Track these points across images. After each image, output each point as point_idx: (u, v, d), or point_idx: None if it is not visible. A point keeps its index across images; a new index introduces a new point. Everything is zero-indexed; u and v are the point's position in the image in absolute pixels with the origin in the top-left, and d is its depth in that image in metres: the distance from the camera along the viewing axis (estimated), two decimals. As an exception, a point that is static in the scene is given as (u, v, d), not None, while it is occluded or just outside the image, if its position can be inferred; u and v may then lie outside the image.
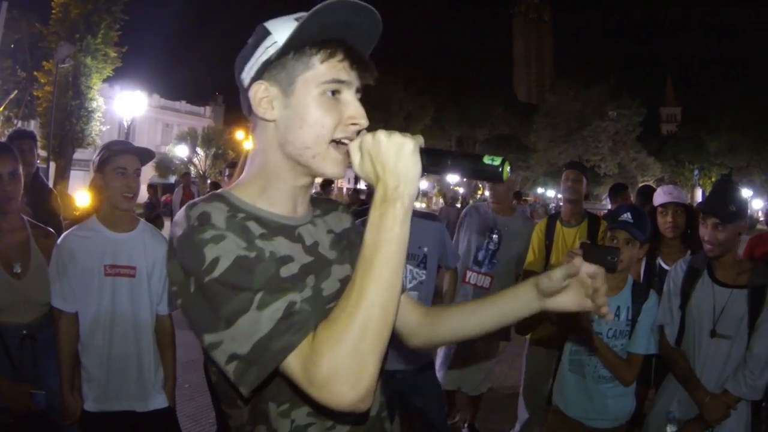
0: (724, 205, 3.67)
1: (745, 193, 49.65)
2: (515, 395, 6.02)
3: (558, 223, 5.77)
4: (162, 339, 3.76)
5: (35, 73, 28.65)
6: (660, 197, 4.94)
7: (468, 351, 5.95)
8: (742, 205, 3.66)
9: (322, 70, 1.56)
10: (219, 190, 1.65)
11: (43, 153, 20.15)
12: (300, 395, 1.44)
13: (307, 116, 1.56)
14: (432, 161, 1.49)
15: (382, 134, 1.46)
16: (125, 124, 28.88)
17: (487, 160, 1.46)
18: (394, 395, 4.14)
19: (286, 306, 1.36)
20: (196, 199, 1.52)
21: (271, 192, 1.65)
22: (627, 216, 3.70)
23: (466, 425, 6.20)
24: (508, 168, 1.46)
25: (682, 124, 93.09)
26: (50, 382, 3.62)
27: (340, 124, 1.58)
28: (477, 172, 1.49)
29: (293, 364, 1.32)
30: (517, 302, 1.82)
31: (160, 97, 60.41)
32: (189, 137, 51.87)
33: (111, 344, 3.51)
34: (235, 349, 1.35)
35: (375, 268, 1.36)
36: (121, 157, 3.52)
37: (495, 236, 5.82)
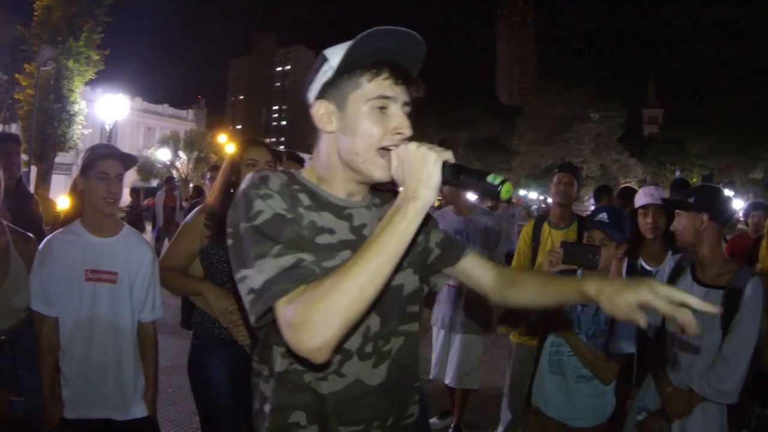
0: (683, 195, 3.88)
1: (726, 194, 49.82)
2: (499, 396, 6.04)
3: (546, 225, 5.79)
4: (144, 346, 3.71)
5: (17, 75, 28.32)
6: (641, 199, 4.98)
7: (450, 343, 6.15)
8: (704, 198, 3.72)
9: (369, 88, 1.82)
10: (290, 170, 1.99)
11: (24, 157, 20.01)
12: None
13: (358, 128, 1.83)
14: (450, 174, 1.70)
15: (413, 145, 1.72)
16: (107, 128, 28.75)
17: (490, 178, 1.69)
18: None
19: (295, 261, 1.65)
20: (266, 168, 1.95)
21: (327, 182, 1.95)
22: (603, 216, 3.80)
23: (452, 426, 6.24)
24: (508, 188, 1.68)
25: (663, 126, 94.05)
26: (29, 388, 3.57)
27: (386, 133, 1.82)
28: (480, 188, 1.73)
29: (282, 306, 1.58)
30: (570, 297, 2.08)
31: (143, 101, 60.25)
32: (171, 141, 51.82)
33: (90, 350, 3.47)
34: (252, 284, 1.65)
35: (367, 253, 1.57)
36: (105, 161, 3.49)
37: (459, 237, 5.89)
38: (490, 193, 1.69)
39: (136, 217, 15.62)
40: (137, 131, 58.76)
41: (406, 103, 1.86)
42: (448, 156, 1.70)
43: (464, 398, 6.22)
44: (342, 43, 1.86)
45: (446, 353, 6.18)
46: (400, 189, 1.71)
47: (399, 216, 1.61)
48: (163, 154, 50.62)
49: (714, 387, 3.48)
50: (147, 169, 49.58)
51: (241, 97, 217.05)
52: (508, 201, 22.20)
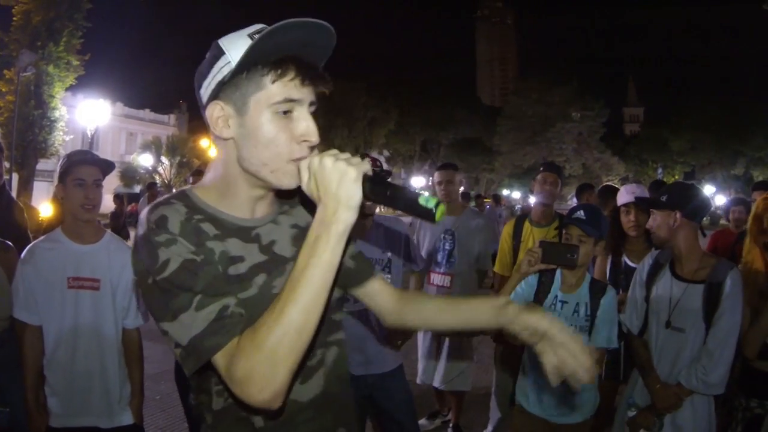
0: (657, 194, 3.98)
1: (707, 190, 50.24)
2: (487, 395, 6.06)
3: (527, 224, 5.80)
4: (129, 353, 3.68)
5: (-4, 81, 28.19)
6: (623, 197, 5.01)
7: (440, 346, 6.09)
8: (676, 196, 3.79)
9: (273, 90, 1.63)
10: (185, 188, 1.79)
11: (5, 164, 19.81)
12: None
13: (261, 136, 1.64)
14: (373, 190, 1.56)
15: (328, 159, 1.54)
16: (89, 134, 28.59)
17: (422, 200, 1.55)
18: (364, 399, 4.18)
19: (219, 309, 1.53)
20: (160, 199, 1.70)
21: (229, 198, 1.76)
22: (580, 213, 3.82)
23: (450, 426, 6.23)
24: (442, 209, 1.55)
25: (644, 124, 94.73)
26: (13, 398, 3.56)
27: (293, 142, 1.65)
28: (412, 209, 1.57)
29: (220, 361, 1.51)
30: (481, 317, 1.94)
31: (124, 106, 59.89)
32: (153, 146, 51.57)
33: (74, 358, 3.45)
34: (177, 339, 1.54)
35: (297, 291, 1.49)
36: (81, 167, 3.46)
37: (449, 236, 5.91)
38: (423, 215, 1.56)
39: (121, 225, 15.35)
40: (119, 137, 58.45)
41: (311, 103, 1.70)
42: (367, 168, 1.56)
43: (459, 398, 6.21)
44: (240, 30, 1.69)
45: (434, 356, 6.13)
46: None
47: (322, 245, 1.51)
48: (146, 160, 50.36)
49: (701, 380, 3.52)
50: (130, 174, 49.35)
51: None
52: (498, 202, 22.28)
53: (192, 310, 1.53)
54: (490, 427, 5.75)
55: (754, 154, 65.97)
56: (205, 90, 1.70)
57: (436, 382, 6.12)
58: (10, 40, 27.75)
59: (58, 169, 3.54)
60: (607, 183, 17.33)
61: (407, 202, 1.58)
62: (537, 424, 3.83)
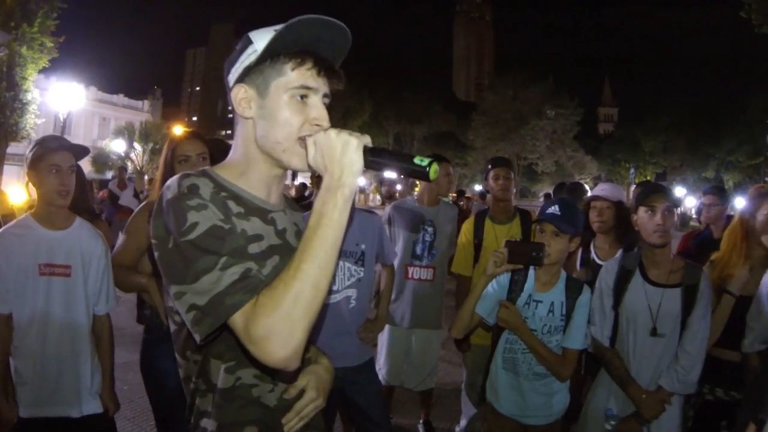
0: (670, 192, 3.83)
1: (679, 191, 50.71)
2: (456, 391, 6.05)
3: (488, 221, 5.76)
4: (100, 339, 3.68)
5: (-33, 63, 27.70)
6: (591, 192, 5.03)
7: (407, 346, 5.98)
8: (674, 199, 3.78)
9: (292, 77, 1.80)
10: (205, 168, 1.91)
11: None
12: (247, 357, 1.69)
13: (279, 116, 1.81)
14: (372, 158, 1.71)
15: (332, 131, 1.70)
16: (61, 118, 28.23)
17: (417, 160, 1.71)
18: (334, 393, 4.18)
19: (243, 270, 1.62)
20: (189, 172, 1.81)
21: (249, 176, 1.90)
22: (554, 209, 3.73)
23: (421, 422, 6.20)
24: (435, 168, 1.69)
25: (618, 124, 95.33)
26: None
27: (305, 123, 1.81)
28: (408, 171, 1.74)
29: (238, 320, 1.57)
30: None
31: (98, 90, 59.19)
32: (126, 132, 51.10)
33: (45, 346, 3.42)
34: (195, 301, 1.60)
35: (311, 248, 1.59)
36: (56, 154, 3.45)
37: (429, 228, 5.84)
38: (417, 174, 1.71)
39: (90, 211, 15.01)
40: (92, 121, 57.77)
41: (325, 95, 1.87)
42: (367, 141, 1.72)
43: (429, 396, 6.16)
44: (270, 27, 1.85)
45: (402, 356, 5.96)
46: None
47: (331, 206, 1.63)
48: (118, 146, 49.93)
49: (683, 381, 3.56)
50: (101, 160, 48.89)
51: (198, 88, 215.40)
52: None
53: (216, 271, 1.60)
54: (463, 422, 5.73)
55: (725, 157, 66.65)
56: (233, 75, 1.87)
57: (409, 384, 6.03)
58: (-19, 21, 27.31)
59: (29, 155, 3.50)
60: (574, 181, 17.38)
61: (403, 165, 1.73)
62: (508, 424, 3.81)
